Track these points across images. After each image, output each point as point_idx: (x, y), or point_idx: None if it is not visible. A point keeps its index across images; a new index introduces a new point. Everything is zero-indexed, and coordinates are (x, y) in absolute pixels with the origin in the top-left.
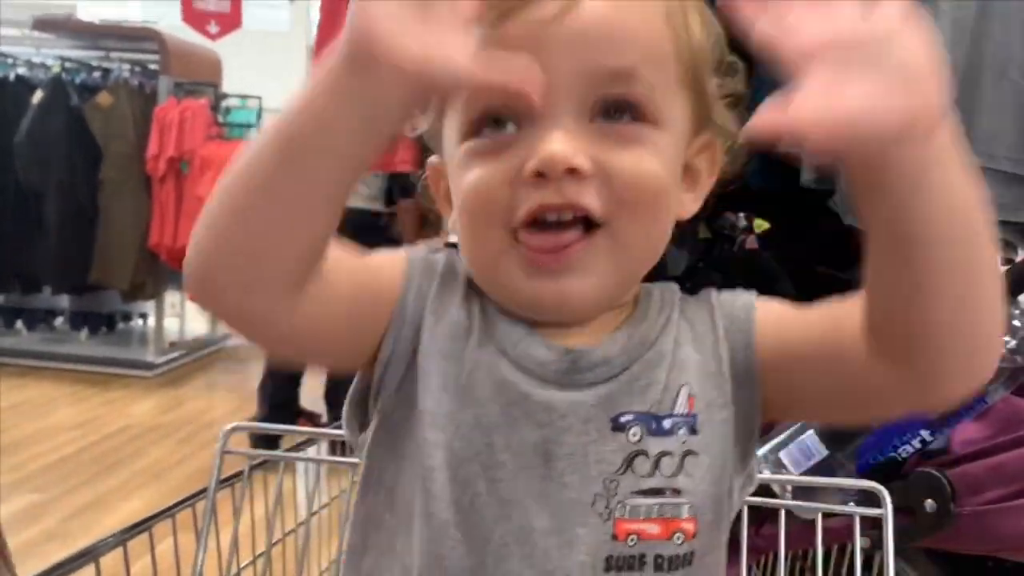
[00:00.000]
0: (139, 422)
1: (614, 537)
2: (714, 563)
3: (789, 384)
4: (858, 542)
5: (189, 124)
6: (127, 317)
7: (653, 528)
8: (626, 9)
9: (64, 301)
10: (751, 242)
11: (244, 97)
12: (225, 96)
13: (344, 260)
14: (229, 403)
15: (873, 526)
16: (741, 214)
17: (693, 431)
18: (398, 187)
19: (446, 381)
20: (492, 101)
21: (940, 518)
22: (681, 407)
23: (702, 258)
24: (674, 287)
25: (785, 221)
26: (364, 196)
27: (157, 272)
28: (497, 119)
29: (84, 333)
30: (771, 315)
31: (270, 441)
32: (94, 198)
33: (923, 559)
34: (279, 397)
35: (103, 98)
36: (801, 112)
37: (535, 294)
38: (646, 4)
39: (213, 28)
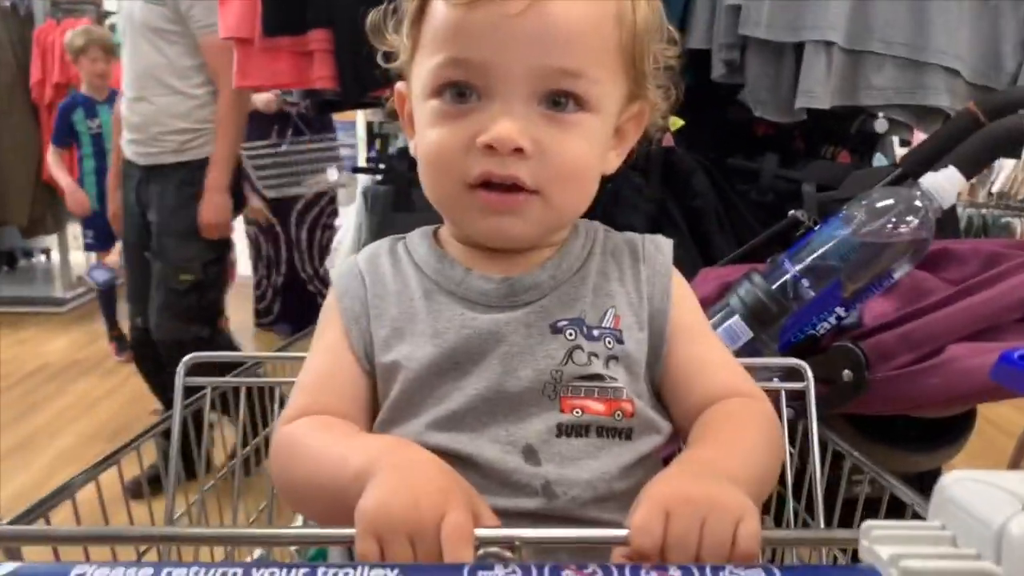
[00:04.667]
0: (57, 360)
1: (561, 411)
2: (650, 442)
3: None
4: (784, 413)
5: None
6: (28, 254)
7: (598, 406)
8: (581, 12)
9: None
10: (667, 140)
11: None
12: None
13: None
14: None
15: (796, 397)
16: None
17: (619, 341)
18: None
19: (403, 329)
20: (458, 76)
21: (856, 385)
22: (608, 323)
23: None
24: (596, 225)
25: (697, 116)
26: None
27: (56, 205)
28: (461, 90)
29: None
30: (679, 326)
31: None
32: None
33: (840, 423)
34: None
35: None
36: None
37: (485, 229)
38: (601, 4)
39: None
